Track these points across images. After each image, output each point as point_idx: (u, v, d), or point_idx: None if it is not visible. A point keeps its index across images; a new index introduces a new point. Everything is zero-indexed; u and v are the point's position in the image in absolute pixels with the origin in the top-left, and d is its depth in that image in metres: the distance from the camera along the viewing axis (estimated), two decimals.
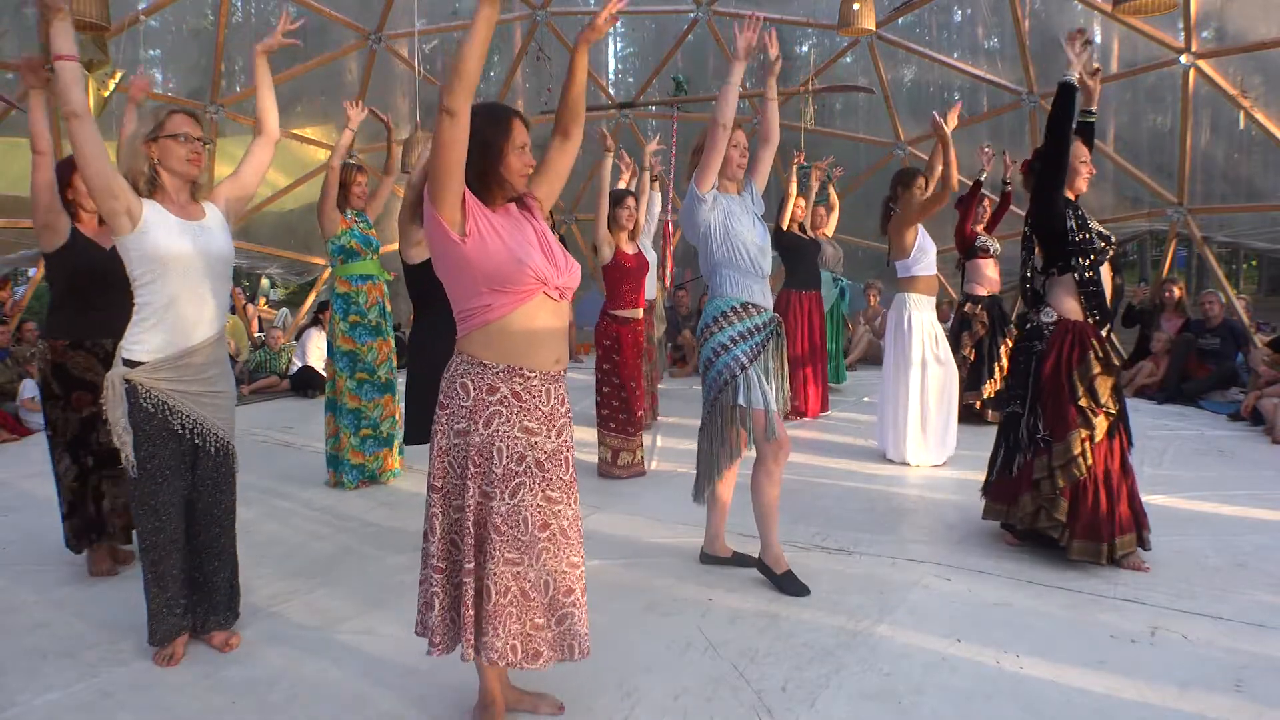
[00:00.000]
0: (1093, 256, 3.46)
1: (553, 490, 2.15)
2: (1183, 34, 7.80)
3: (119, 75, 6.65)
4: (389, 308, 5.04)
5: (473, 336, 2.11)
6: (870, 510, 4.31)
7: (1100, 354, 3.47)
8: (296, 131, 9.94)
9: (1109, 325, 3.55)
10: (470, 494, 2.07)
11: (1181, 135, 8.13)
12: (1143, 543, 3.52)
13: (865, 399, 7.57)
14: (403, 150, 8.64)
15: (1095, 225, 3.49)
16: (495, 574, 2.07)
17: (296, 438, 6.34)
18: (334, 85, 10.25)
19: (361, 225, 4.91)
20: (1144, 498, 4.43)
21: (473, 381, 2.09)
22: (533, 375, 2.12)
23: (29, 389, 6.46)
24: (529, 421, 2.11)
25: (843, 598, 3.20)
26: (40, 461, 5.54)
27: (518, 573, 2.10)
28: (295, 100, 10.18)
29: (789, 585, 3.23)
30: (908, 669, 2.65)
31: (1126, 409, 3.55)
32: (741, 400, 3.18)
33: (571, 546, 2.18)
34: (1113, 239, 3.55)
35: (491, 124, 2.12)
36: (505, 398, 2.09)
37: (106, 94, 6.41)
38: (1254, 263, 22.14)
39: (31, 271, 9.32)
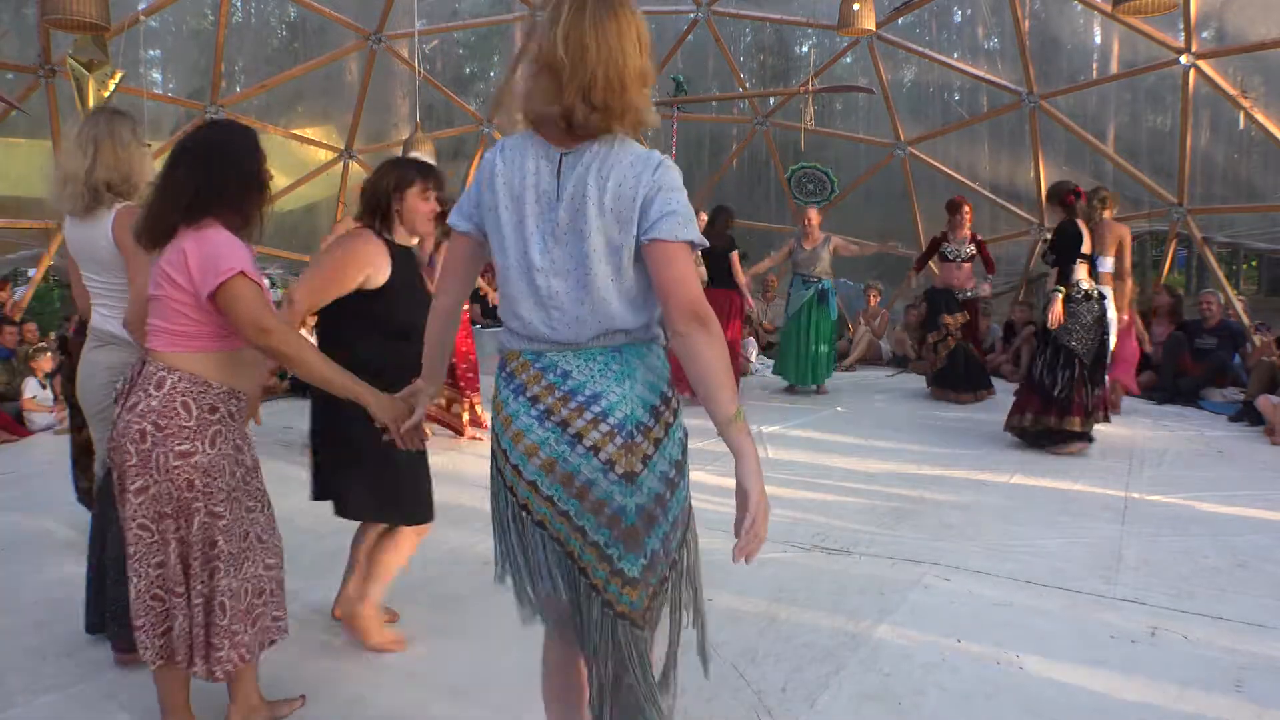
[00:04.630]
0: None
1: (250, 500, 2.23)
2: (1183, 34, 7.79)
3: (119, 75, 6.66)
4: None
5: (195, 356, 2.11)
6: (870, 510, 4.30)
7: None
8: (297, 131, 9.93)
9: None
10: (200, 515, 2.10)
11: (1181, 136, 8.12)
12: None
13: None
14: (402, 150, 8.64)
15: None
16: (232, 590, 2.17)
17: (296, 438, 6.33)
18: (334, 85, 10.23)
19: None
20: (1144, 497, 4.49)
21: (194, 401, 2.09)
22: (245, 397, 2.23)
23: (31, 388, 6.46)
24: (238, 439, 2.19)
25: (843, 598, 3.20)
26: (41, 461, 5.55)
27: (238, 586, 2.19)
28: (295, 100, 10.17)
29: None
30: (908, 669, 2.65)
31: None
32: None
33: (267, 550, 2.28)
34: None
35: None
36: (224, 417, 2.14)
37: (106, 94, 6.42)
38: (1254, 263, 22.10)
39: (31, 272, 9.31)
